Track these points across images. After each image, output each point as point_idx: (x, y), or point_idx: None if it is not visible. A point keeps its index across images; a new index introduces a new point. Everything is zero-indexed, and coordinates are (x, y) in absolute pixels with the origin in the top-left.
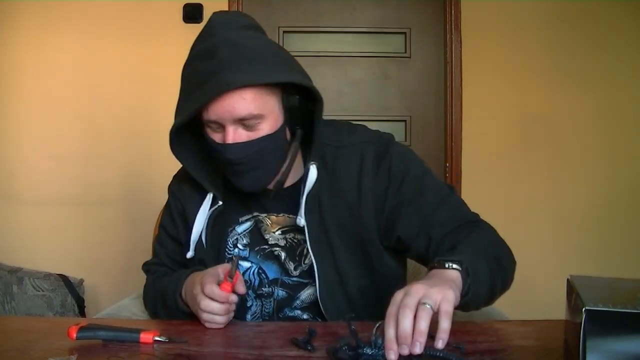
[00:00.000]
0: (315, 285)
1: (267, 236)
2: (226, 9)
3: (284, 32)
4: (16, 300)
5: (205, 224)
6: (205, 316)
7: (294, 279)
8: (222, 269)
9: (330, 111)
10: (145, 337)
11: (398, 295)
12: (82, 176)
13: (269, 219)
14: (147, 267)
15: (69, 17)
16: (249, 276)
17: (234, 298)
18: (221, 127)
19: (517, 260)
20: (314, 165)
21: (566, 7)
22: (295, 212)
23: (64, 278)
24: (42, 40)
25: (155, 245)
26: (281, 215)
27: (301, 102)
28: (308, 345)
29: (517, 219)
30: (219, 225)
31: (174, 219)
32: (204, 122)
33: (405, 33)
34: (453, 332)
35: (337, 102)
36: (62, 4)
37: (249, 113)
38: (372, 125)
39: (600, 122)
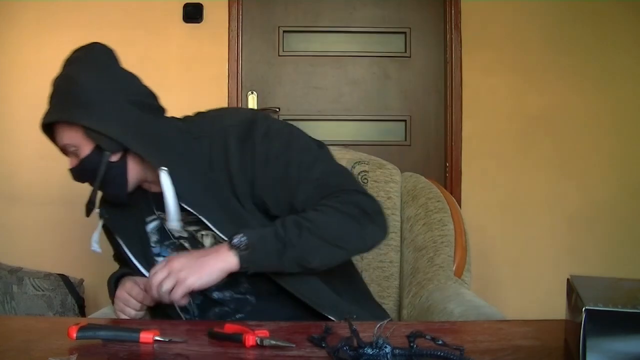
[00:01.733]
0: None
1: (171, 229)
2: (226, 9)
3: (284, 32)
4: (16, 300)
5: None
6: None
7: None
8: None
9: (330, 111)
10: (145, 337)
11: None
12: None
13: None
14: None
15: (68, 17)
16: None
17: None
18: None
19: (516, 261)
20: (164, 172)
21: (566, 7)
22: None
23: (64, 278)
24: (42, 40)
25: None
26: (160, 213)
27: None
28: (323, 343)
29: (517, 219)
30: (130, 227)
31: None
32: None
33: (405, 33)
34: (453, 332)
35: (337, 102)
36: (62, 4)
37: (64, 143)
38: (372, 125)
39: (600, 121)
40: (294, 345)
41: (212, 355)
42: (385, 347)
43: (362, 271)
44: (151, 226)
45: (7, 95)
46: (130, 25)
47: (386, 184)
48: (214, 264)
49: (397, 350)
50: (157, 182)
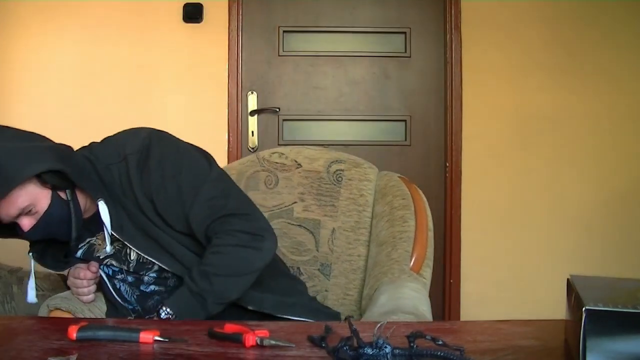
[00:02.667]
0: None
1: (98, 254)
2: (226, 9)
3: (284, 32)
4: (16, 300)
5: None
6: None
7: (133, 273)
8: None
9: (330, 111)
10: (145, 337)
11: None
12: None
13: (98, 238)
14: None
15: (69, 17)
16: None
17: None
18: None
19: (516, 261)
20: (102, 201)
21: (566, 7)
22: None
23: (64, 278)
24: (42, 40)
25: None
26: (99, 234)
27: (57, 171)
28: (323, 343)
29: (517, 219)
30: (57, 256)
31: None
32: None
33: (405, 33)
34: (453, 332)
35: (337, 102)
36: (62, 4)
37: (19, 209)
38: (372, 125)
39: (600, 121)
40: (293, 345)
41: (212, 355)
42: (385, 347)
43: (332, 264)
44: (80, 252)
45: (7, 95)
46: (130, 25)
47: (360, 182)
48: None
49: (397, 350)
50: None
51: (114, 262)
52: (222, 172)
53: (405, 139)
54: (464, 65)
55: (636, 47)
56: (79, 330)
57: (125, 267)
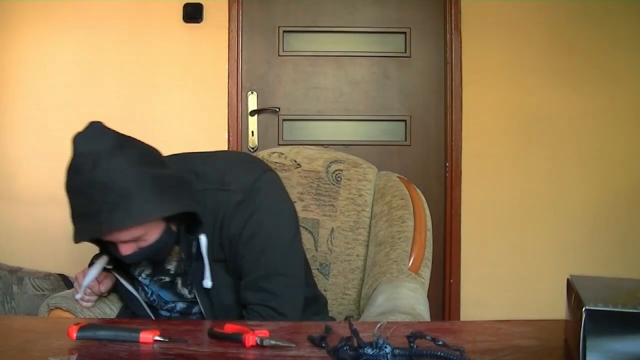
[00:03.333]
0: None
1: (169, 266)
2: (226, 9)
3: (284, 32)
4: (16, 300)
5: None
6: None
7: (188, 300)
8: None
9: (330, 111)
10: (145, 337)
11: None
12: None
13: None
14: None
15: (69, 17)
16: (150, 297)
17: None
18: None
19: (516, 261)
20: (204, 236)
21: (566, 7)
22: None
23: (64, 278)
24: (42, 39)
25: None
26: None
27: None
28: (323, 343)
29: (518, 219)
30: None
31: None
32: None
33: (405, 33)
34: (453, 332)
35: (337, 102)
36: (62, 4)
37: (132, 237)
38: (372, 125)
39: (600, 121)
40: (294, 345)
41: (212, 355)
42: (385, 347)
43: (330, 264)
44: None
45: (7, 95)
46: (130, 25)
47: (359, 182)
48: None
49: (397, 351)
50: None
51: (179, 282)
52: (300, 252)
53: (405, 139)
54: (464, 65)
55: (637, 47)
56: (79, 330)
57: (183, 295)
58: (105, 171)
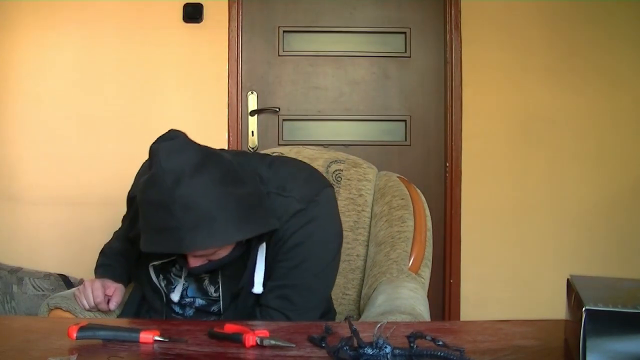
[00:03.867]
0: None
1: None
2: (226, 9)
3: (284, 32)
4: (16, 300)
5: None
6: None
7: (210, 299)
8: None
9: (330, 111)
10: (145, 337)
11: None
12: (82, 176)
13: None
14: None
15: (68, 17)
16: (182, 291)
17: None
18: None
19: (516, 261)
20: (264, 245)
21: (566, 8)
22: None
23: (64, 278)
24: (42, 40)
25: (122, 222)
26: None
27: None
28: (323, 343)
29: (517, 219)
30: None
31: (132, 217)
32: None
33: (405, 33)
34: (453, 332)
35: (337, 102)
36: (62, 4)
37: (207, 253)
38: (372, 125)
39: (600, 121)
40: (294, 345)
41: (212, 355)
42: (385, 347)
43: None
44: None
45: (7, 94)
46: (130, 25)
47: (359, 182)
48: None
49: (397, 351)
50: None
51: (207, 279)
52: (335, 272)
53: (405, 139)
54: (464, 65)
55: (636, 47)
56: (79, 330)
57: (209, 294)
58: (188, 190)
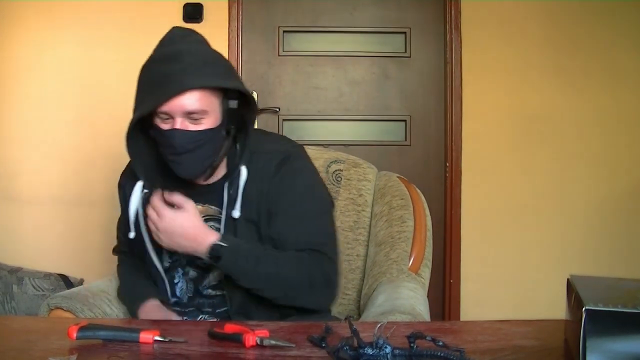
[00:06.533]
0: None
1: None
2: (226, 9)
3: (284, 32)
4: (16, 300)
5: (140, 207)
6: None
7: (206, 261)
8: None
9: (330, 111)
10: (145, 337)
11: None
12: (82, 176)
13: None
14: (116, 252)
15: (68, 17)
16: (180, 255)
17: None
18: (171, 118)
19: (516, 261)
20: (245, 167)
21: (566, 7)
22: (214, 203)
23: (64, 278)
24: (42, 40)
25: (118, 231)
26: (205, 205)
27: (238, 106)
28: (323, 343)
29: (517, 219)
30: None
31: (123, 210)
32: (157, 113)
33: (405, 33)
34: (453, 332)
35: (337, 102)
36: (62, 4)
37: (196, 108)
38: (372, 125)
39: (600, 121)
40: (294, 345)
41: (212, 355)
42: (386, 347)
43: None
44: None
45: (7, 94)
46: (130, 25)
47: (359, 182)
48: (187, 249)
49: (397, 351)
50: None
51: None
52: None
53: (405, 139)
54: (464, 65)
55: (636, 47)
56: (79, 330)
57: (198, 259)
58: (195, 39)
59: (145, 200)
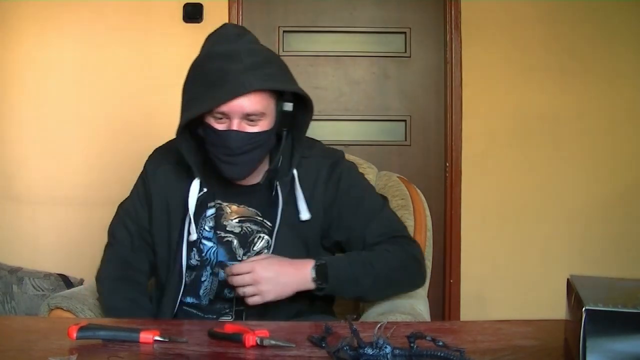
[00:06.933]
0: None
1: (224, 223)
2: (226, 9)
3: (284, 32)
4: (16, 300)
5: (194, 208)
6: None
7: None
8: None
9: (331, 111)
10: (145, 337)
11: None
12: (82, 176)
13: (229, 207)
14: (110, 233)
15: (69, 17)
16: (210, 254)
17: None
18: (227, 119)
19: (516, 261)
20: (296, 170)
21: (566, 7)
22: (252, 204)
23: (64, 278)
24: (42, 39)
25: (120, 214)
26: (242, 206)
27: (294, 109)
28: (323, 343)
29: (517, 219)
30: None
31: (141, 203)
32: (212, 112)
33: (405, 33)
34: (453, 332)
35: (337, 102)
36: (62, 3)
37: (256, 110)
38: (372, 125)
39: (600, 121)
40: (294, 345)
41: (212, 355)
42: (386, 347)
43: None
44: (209, 212)
45: (7, 94)
46: (130, 25)
47: None
48: (293, 286)
49: (397, 351)
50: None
51: (234, 242)
52: None
53: (405, 139)
54: (464, 65)
55: (636, 47)
56: (79, 330)
57: (237, 257)
58: (251, 39)
59: (199, 201)
